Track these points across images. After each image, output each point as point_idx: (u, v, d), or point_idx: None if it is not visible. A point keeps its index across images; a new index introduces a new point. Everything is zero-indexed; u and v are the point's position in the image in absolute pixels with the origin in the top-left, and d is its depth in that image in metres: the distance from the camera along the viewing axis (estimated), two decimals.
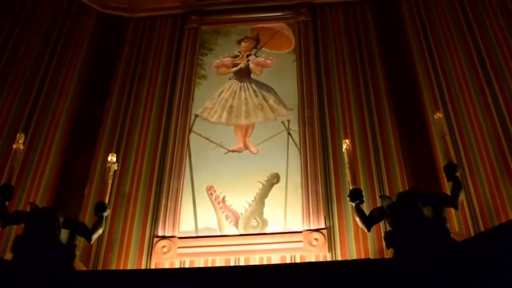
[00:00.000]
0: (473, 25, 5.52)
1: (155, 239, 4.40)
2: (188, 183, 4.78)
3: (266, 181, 4.70)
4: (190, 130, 5.16)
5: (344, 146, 4.26)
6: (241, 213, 4.53)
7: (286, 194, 4.62)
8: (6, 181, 3.96)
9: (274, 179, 4.71)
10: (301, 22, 5.94)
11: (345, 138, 4.47)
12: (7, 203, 3.95)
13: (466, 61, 5.27)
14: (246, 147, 4.99)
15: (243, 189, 4.67)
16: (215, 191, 4.69)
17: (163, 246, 4.34)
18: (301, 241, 4.25)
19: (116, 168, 4.38)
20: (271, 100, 5.33)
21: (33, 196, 4.61)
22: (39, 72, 5.56)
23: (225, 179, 4.76)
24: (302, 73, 5.47)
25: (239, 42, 5.94)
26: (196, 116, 5.28)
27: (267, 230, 4.41)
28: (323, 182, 4.63)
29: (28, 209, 4.05)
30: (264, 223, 4.45)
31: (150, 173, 4.89)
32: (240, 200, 4.61)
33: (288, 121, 5.12)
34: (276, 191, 4.65)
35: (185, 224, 4.53)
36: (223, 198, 4.64)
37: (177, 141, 5.06)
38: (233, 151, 4.98)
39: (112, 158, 4.32)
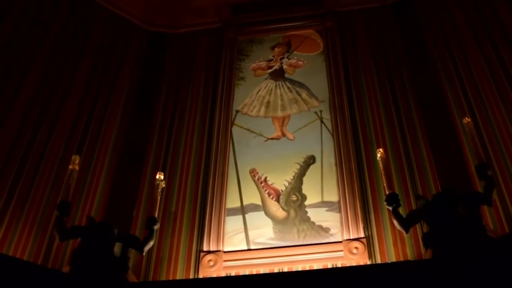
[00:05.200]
0: (492, 31, 5.74)
1: (202, 254, 4.73)
2: (232, 168, 5.32)
3: (303, 162, 5.20)
4: (232, 123, 5.73)
5: (378, 155, 4.55)
6: (282, 190, 5.02)
7: (322, 172, 5.10)
8: (64, 199, 4.24)
9: (310, 160, 5.21)
10: (328, 29, 6.53)
11: (378, 148, 4.81)
12: (64, 218, 4.23)
13: (489, 66, 5.47)
14: (283, 134, 5.52)
15: (283, 170, 5.18)
16: (257, 173, 5.22)
17: (209, 260, 4.65)
18: (341, 250, 4.50)
19: (163, 185, 4.72)
20: (304, 94, 5.89)
21: (87, 213, 4.88)
22: (90, 96, 5.94)
23: (266, 162, 5.29)
24: (331, 70, 6.02)
25: (272, 48, 6.56)
26: (237, 111, 5.87)
27: (306, 203, 4.88)
28: (360, 193, 4.88)
29: (83, 224, 4.43)
30: (303, 197, 4.93)
31: (195, 178, 5.31)
32: (280, 179, 5.11)
33: (321, 111, 5.65)
34: (313, 170, 5.14)
35: (231, 202, 5.04)
36: (265, 178, 5.16)
37: (221, 134, 5.61)
38: (272, 138, 5.52)
39: (160, 176, 4.66)
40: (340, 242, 4.56)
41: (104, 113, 5.86)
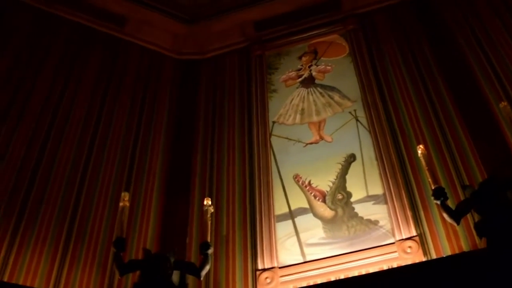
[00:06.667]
0: None
1: (258, 272, 4.82)
2: (276, 176, 5.46)
3: (344, 161, 5.30)
4: (270, 135, 5.90)
5: (419, 152, 4.55)
6: (327, 191, 5.13)
7: (363, 168, 5.19)
8: (119, 235, 4.37)
9: (351, 158, 5.31)
10: (351, 31, 6.68)
11: (418, 144, 4.83)
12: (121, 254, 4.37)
13: None
14: (321, 138, 5.65)
15: (325, 172, 5.29)
16: (301, 178, 5.34)
17: (266, 278, 4.75)
18: (395, 251, 4.50)
19: (212, 210, 4.78)
20: (336, 97, 6.02)
21: (142, 245, 4.99)
22: (132, 131, 6.14)
23: (308, 167, 5.41)
24: (360, 69, 6.16)
25: (299, 57, 6.74)
26: (274, 122, 6.04)
27: (352, 200, 4.96)
28: (404, 184, 4.93)
29: (140, 257, 4.54)
30: (349, 194, 5.02)
31: (242, 195, 5.43)
32: (324, 180, 5.22)
33: (355, 110, 5.77)
34: (355, 167, 5.24)
35: (279, 209, 5.16)
36: (309, 182, 5.27)
37: (261, 146, 5.78)
38: (311, 143, 5.65)
39: (207, 201, 4.76)
40: (393, 243, 4.57)
41: (147, 146, 6.06)
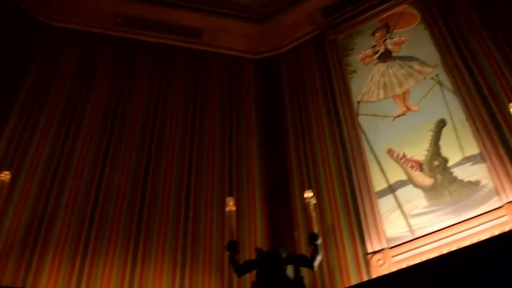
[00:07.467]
0: None
1: (368, 256, 4.88)
2: (370, 154, 5.56)
3: (435, 128, 5.33)
4: (357, 114, 6.00)
5: None
6: (423, 160, 5.19)
7: (455, 131, 5.19)
8: (230, 238, 4.51)
9: (441, 123, 5.33)
10: None
11: (509, 101, 4.74)
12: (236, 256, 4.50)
13: None
14: (408, 109, 5.70)
15: (417, 141, 5.34)
16: (394, 151, 5.42)
17: (378, 260, 4.82)
18: (505, 215, 4.46)
19: (314, 201, 4.73)
20: (416, 65, 6.03)
21: (254, 245, 5.09)
22: (226, 139, 6.35)
23: (400, 139, 5.48)
24: (435, 35, 6.13)
25: (373, 34, 6.80)
26: (358, 102, 6.13)
27: (449, 164, 4.98)
28: (500, 141, 4.81)
29: (253, 257, 4.65)
30: (445, 160, 5.05)
31: (340, 180, 5.51)
32: (418, 150, 5.28)
33: (437, 75, 5.77)
34: (446, 132, 5.25)
35: (378, 185, 5.25)
36: (403, 154, 5.34)
37: (349, 128, 5.89)
38: (398, 116, 5.70)
39: (308, 194, 4.76)
40: (501, 207, 4.50)
41: (242, 147, 6.30)
